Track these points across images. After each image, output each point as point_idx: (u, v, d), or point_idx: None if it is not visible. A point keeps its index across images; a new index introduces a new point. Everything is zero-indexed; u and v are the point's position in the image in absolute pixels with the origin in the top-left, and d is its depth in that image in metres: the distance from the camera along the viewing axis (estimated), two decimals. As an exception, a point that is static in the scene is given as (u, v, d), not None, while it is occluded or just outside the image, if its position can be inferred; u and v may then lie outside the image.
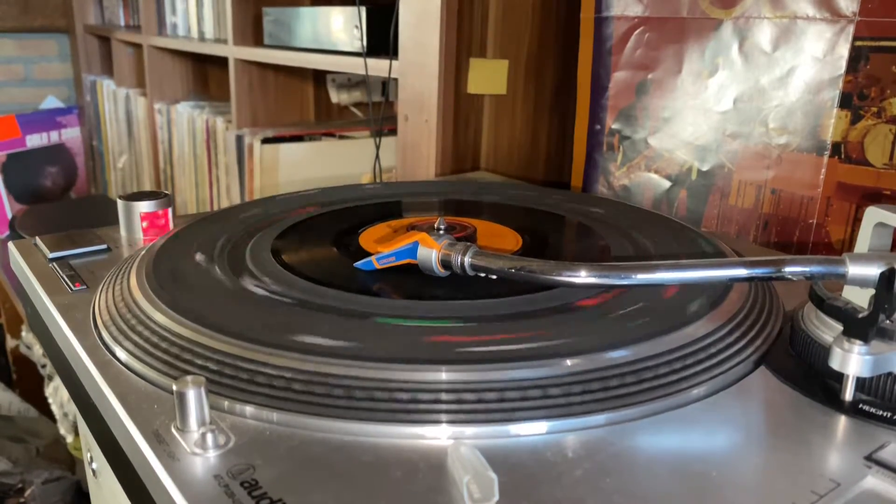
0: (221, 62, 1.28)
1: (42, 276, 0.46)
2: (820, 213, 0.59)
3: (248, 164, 1.20)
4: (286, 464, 0.28)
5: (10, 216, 1.99)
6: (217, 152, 1.34)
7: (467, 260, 0.39)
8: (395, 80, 0.87)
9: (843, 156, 0.57)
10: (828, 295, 0.34)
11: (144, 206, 0.53)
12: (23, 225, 1.63)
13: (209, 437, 0.28)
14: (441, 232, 0.43)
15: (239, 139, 1.22)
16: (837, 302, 0.33)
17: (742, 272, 0.34)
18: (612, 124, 0.72)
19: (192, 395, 0.28)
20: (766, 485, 0.27)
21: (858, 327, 0.31)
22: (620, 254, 0.48)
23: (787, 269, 0.33)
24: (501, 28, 0.85)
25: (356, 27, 0.92)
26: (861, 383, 0.32)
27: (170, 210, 0.55)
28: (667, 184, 0.69)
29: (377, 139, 0.97)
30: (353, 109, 1.37)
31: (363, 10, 0.90)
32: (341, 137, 1.22)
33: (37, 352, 1.47)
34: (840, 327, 0.32)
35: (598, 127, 0.74)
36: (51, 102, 2.25)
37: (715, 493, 0.27)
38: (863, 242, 0.35)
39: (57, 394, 1.33)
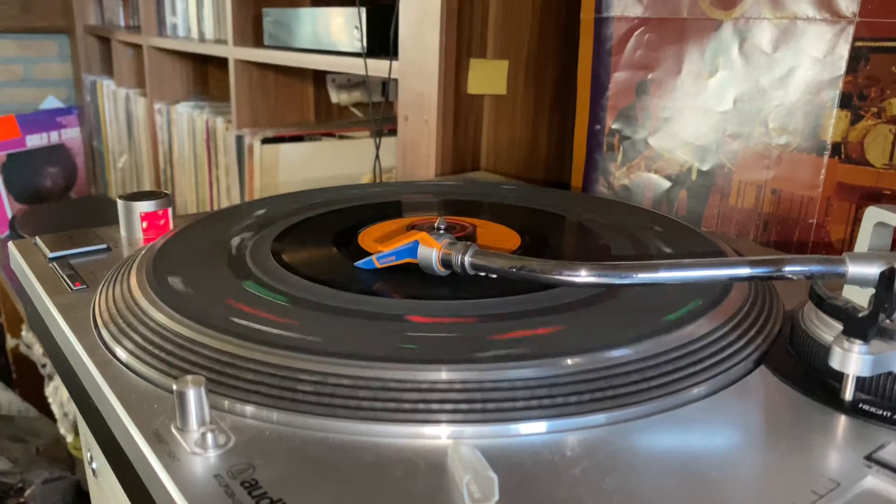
0: (221, 62, 1.28)
1: (42, 276, 0.46)
2: (820, 213, 0.59)
3: (248, 164, 1.20)
4: (286, 464, 0.28)
5: (10, 216, 1.99)
6: (217, 152, 1.34)
7: (467, 259, 0.39)
8: (395, 80, 0.87)
9: (843, 156, 0.57)
10: (828, 294, 0.34)
11: (144, 206, 0.53)
12: (23, 225, 1.63)
13: (209, 436, 0.28)
14: (441, 231, 0.43)
15: (239, 139, 1.22)
16: (837, 301, 0.33)
17: (742, 271, 0.34)
18: (612, 124, 0.72)
19: (192, 395, 0.28)
20: (766, 484, 0.27)
21: (858, 327, 0.31)
22: (620, 253, 0.48)
23: (787, 269, 0.33)
24: (501, 28, 0.85)
25: (356, 27, 0.92)
26: (861, 383, 0.32)
27: (170, 210, 0.55)
28: (667, 184, 0.69)
29: (377, 139, 0.97)
30: (353, 110, 1.37)
31: (363, 10, 0.90)
32: (341, 137, 1.22)
33: (37, 351, 1.47)
34: (840, 327, 0.32)
35: (598, 127, 0.74)
36: (51, 102, 2.25)
37: (715, 493, 0.27)
38: (863, 242, 0.35)
39: (57, 393, 1.33)
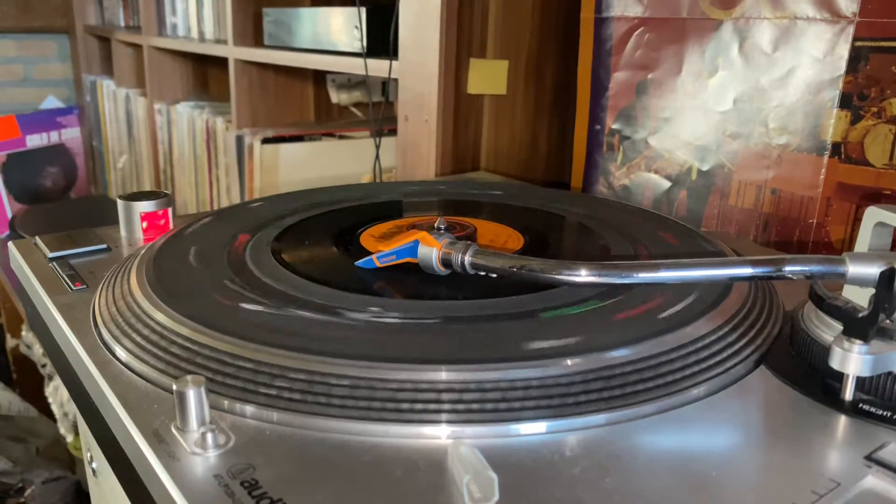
0: (221, 62, 1.28)
1: (42, 276, 0.46)
2: (820, 213, 0.59)
3: (248, 164, 1.20)
4: (286, 464, 0.28)
5: (10, 216, 1.99)
6: (217, 152, 1.34)
7: (468, 259, 0.39)
8: (395, 80, 0.87)
9: (843, 156, 0.57)
10: (828, 294, 0.34)
11: (144, 206, 0.54)
12: (23, 225, 1.63)
13: (209, 436, 0.28)
14: (441, 231, 0.43)
15: (239, 139, 1.22)
16: (837, 301, 0.33)
17: (742, 271, 0.34)
18: (612, 124, 0.72)
19: (192, 395, 0.28)
20: (766, 485, 0.27)
21: (858, 327, 0.31)
22: (620, 253, 0.48)
23: (787, 269, 0.33)
24: (501, 28, 0.85)
25: (356, 27, 0.92)
26: (861, 383, 0.32)
27: (170, 210, 0.55)
28: (667, 184, 0.69)
29: (377, 139, 0.97)
30: (353, 109, 1.37)
31: (363, 10, 0.90)
32: (341, 137, 1.22)
33: (37, 351, 1.47)
34: (840, 327, 0.32)
35: (598, 127, 0.74)
36: (51, 102, 2.25)
37: (715, 493, 0.27)
38: (863, 242, 0.35)
39: (57, 393, 1.33)
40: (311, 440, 0.29)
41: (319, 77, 1.32)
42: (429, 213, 0.57)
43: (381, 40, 0.88)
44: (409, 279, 0.42)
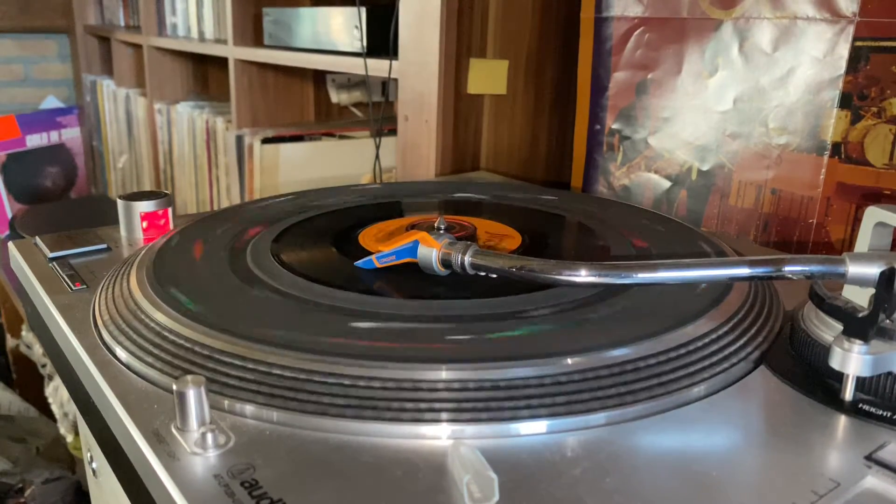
0: (221, 62, 1.28)
1: (42, 276, 0.46)
2: (820, 213, 0.59)
3: (248, 164, 1.20)
4: (286, 464, 0.28)
5: (10, 216, 1.99)
6: (217, 152, 1.34)
7: (467, 259, 0.39)
8: (395, 80, 0.87)
9: (843, 156, 0.57)
10: (828, 294, 0.34)
11: (144, 206, 0.54)
12: (23, 225, 1.63)
13: (209, 436, 0.28)
14: (441, 231, 0.43)
15: (239, 139, 1.22)
16: (837, 301, 0.33)
17: (742, 271, 0.34)
18: (612, 124, 0.72)
19: (192, 395, 0.28)
20: (766, 485, 0.27)
21: (858, 327, 0.31)
22: (620, 253, 0.48)
23: (787, 269, 0.33)
24: (501, 28, 0.85)
25: (356, 27, 0.92)
26: (861, 383, 0.32)
27: (170, 210, 0.55)
28: (667, 184, 0.69)
29: (377, 139, 0.97)
30: (353, 109, 1.37)
31: (363, 10, 0.90)
32: (341, 137, 1.22)
33: (37, 351, 1.47)
34: (840, 327, 0.32)
35: (598, 127, 0.74)
36: (51, 102, 2.25)
37: (715, 493, 0.27)
38: (863, 242, 0.35)
39: (57, 393, 1.33)
40: (311, 440, 0.29)
41: (319, 77, 1.32)
42: (429, 213, 0.57)
43: (381, 40, 0.88)
44: (408, 279, 0.42)
